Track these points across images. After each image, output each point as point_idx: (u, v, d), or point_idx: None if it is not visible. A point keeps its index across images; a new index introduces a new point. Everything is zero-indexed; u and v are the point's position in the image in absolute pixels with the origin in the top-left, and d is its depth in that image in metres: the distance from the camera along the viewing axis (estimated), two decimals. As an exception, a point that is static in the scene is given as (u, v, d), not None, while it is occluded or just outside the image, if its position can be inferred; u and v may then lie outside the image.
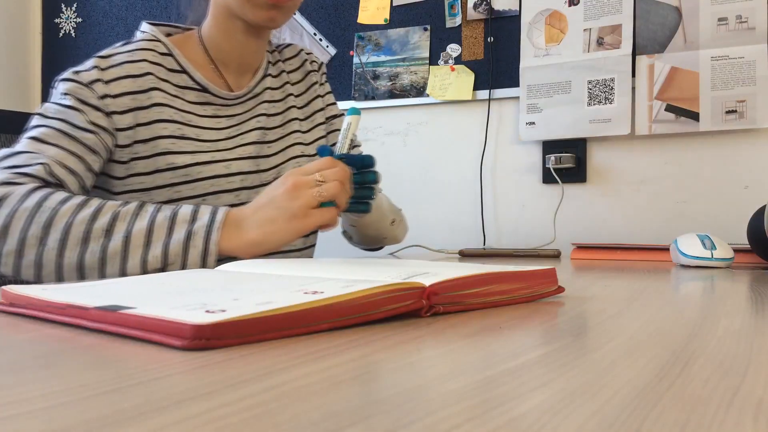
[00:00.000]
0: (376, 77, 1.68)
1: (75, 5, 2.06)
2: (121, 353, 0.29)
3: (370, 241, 1.06)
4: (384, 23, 1.68)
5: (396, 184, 1.63)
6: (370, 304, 0.36)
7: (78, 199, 0.70)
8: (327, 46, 1.73)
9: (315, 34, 1.75)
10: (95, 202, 0.70)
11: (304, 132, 1.01)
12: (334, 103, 1.09)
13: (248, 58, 0.95)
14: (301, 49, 1.07)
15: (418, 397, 0.22)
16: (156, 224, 0.69)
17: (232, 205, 0.77)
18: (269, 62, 1.01)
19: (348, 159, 0.78)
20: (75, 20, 2.06)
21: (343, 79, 1.71)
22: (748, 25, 1.36)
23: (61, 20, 2.08)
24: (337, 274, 0.50)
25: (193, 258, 0.68)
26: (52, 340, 0.33)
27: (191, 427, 0.18)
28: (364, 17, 1.70)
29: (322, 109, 1.05)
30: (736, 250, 0.96)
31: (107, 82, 0.84)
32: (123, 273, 0.68)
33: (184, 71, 0.90)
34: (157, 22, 0.95)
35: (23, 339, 0.33)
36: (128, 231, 0.68)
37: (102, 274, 0.68)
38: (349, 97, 1.69)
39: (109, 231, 0.68)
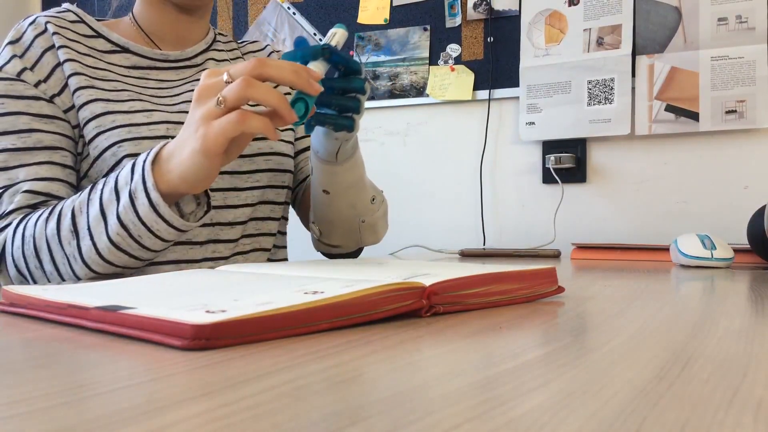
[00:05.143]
0: (376, 77, 1.68)
1: (75, 4, 2.06)
2: (121, 353, 0.29)
3: (344, 232, 0.85)
4: (384, 23, 1.68)
5: (396, 184, 1.63)
6: (370, 304, 0.36)
7: (44, 214, 0.69)
8: (327, 46, 1.73)
9: (315, 34, 1.74)
10: (56, 209, 0.69)
11: None
12: None
13: (184, 32, 0.90)
14: (267, 45, 1.01)
15: (418, 397, 0.22)
16: (104, 202, 0.66)
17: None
18: (218, 40, 0.95)
19: (331, 54, 0.62)
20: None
21: (343, 79, 1.71)
22: (748, 25, 1.36)
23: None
24: (337, 274, 0.50)
25: (146, 215, 0.64)
26: (52, 340, 0.33)
27: (191, 427, 0.18)
28: (364, 17, 1.70)
29: None
30: (736, 250, 0.96)
31: (32, 67, 0.78)
32: (102, 257, 0.66)
33: (99, 35, 0.85)
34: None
35: (23, 339, 0.33)
36: (87, 222, 0.67)
37: (92, 269, 0.68)
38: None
39: (74, 231, 0.67)
